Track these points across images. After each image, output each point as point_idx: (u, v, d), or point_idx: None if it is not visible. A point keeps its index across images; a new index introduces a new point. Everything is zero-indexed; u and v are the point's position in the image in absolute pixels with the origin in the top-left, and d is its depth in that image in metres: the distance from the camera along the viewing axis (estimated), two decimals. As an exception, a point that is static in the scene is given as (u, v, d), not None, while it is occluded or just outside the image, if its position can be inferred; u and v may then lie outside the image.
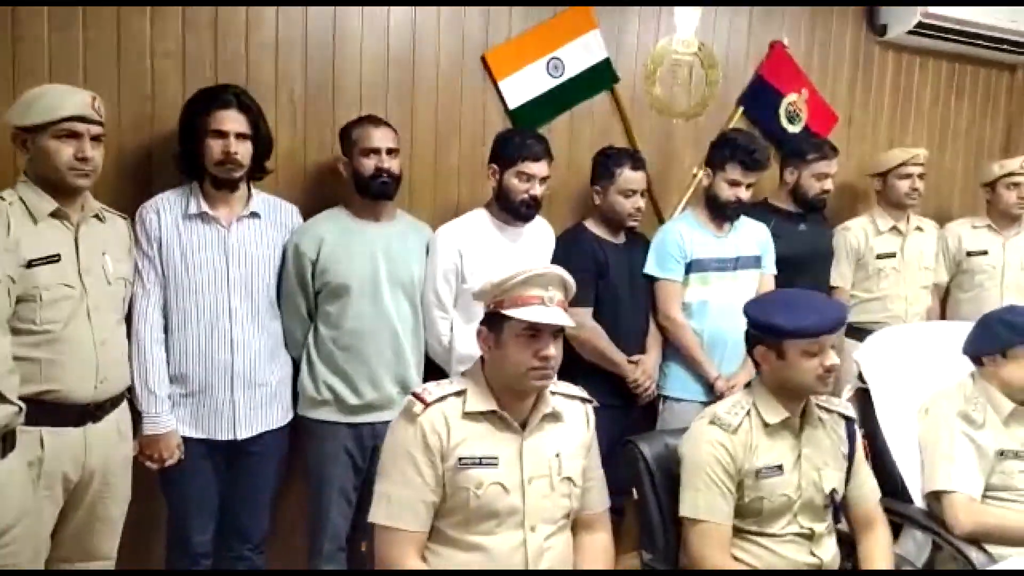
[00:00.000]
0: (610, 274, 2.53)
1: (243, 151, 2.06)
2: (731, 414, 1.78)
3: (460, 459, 1.56)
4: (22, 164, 1.81)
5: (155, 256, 2.04)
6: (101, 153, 1.80)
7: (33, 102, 1.72)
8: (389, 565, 1.56)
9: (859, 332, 2.78)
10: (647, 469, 1.88)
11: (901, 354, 2.31)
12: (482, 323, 1.65)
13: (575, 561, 1.70)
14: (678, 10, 2.90)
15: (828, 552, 1.81)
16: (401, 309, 2.26)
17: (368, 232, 2.25)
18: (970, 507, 1.94)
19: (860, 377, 2.30)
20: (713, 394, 2.52)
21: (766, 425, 1.78)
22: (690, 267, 2.59)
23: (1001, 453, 2.02)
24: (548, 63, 2.70)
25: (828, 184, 2.86)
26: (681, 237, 2.59)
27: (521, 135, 2.37)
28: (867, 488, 1.89)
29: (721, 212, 2.62)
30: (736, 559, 1.75)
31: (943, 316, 3.24)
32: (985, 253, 3.18)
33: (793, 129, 3.13)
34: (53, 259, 1.73)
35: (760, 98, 3.08)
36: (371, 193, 2.22)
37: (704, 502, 1.72)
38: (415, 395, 1.62)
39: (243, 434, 2.13)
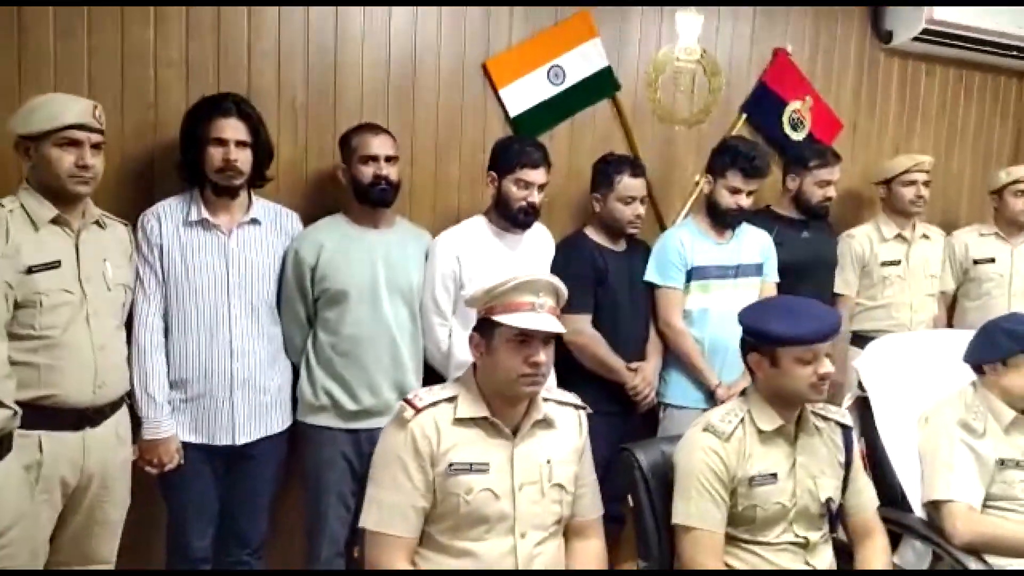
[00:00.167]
0: (609, 281, 2.53)
1: (243, 159, 2.09)
2: (725, 421, 1.77)
3: (450, 465, 1.57)
4: (25, 172, 1.84)
5: (156, 262, 2.07)
6: (102, 161, 1.83)
7: (35, 110, 1.75)
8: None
9: (864, 340, 2.75)
10: (643, 477, 1.87)
11: (901, 362, 2.29)
12: (474, 329, 1.66)
13: (568, 568, 1.69)
14: (680, 18, 2.91)
15: (824, 561, 1.79)
16: (400, 315, 2.27)
17: (367, 239, 2.26)
18: (969, 516, 1.92)
19: (860, 385, 2.28)
20: (713, 402, 2.51)
21: (760, 432, 1.77)
22: (691, 274, 2.59)
23: (1002, 462, 2.00)
24: (549, 71, 2.71)
25: (831, 191, 2.84)
26: (682, 244, 2.59)
27: (520, 142, 2.38)
28: (865, 496, 1.87)
29: (722, 219, 2.62)
30: (728, 567, 1.73)
31: (950, 324, 3.21)
32: (992, 261, 3.15)
33: (797, 136, 3.12)
34: (53, 265, 1.75)
35: (763, 105, 3.07)
36: (370, 200, 2.24)
37: (696, 509, 1.71)
38: (406, 401, 1.63)
39: (242, 439, 2.15)
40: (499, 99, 2.66)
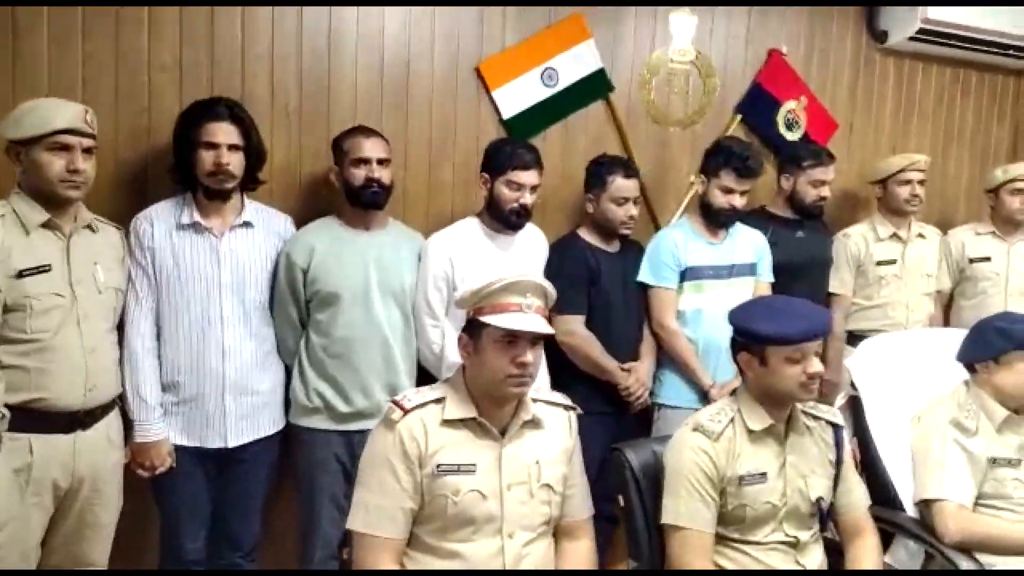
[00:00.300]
0: (603, 282, 2.53)
1: (235, 162, 2.10)
2: (714, 421, 1.77)
3: (438, 466, 1.57)
4: (17, 176, 1.85)
5: (148, 265, 2.08)
6: (93, 165, 1.84)
7: (25, 115, 1.77)
8: (367, 572, 1.57)
9: (860, 340, 2.74)
10: (633, 477, 1.87)
11: (893, 361, 2.29)
12: (463, 330, 1.66)
13: (557, 568, 1.69)
14: (673, 19, 2.91)
15: (814, 561, 1.79)
16: (392, 317, 2.28)
17: (359, 241, 2.27)
18: (960, 515, 1.92)
19: (852, 384, 2.28)
20: (708, 402, 2.50)
21: (750, 432, 1.77)
22: (684, 275, 2.59)
23: (994, 461, 2.00)
24: (542, 73, 2.72)
25: (825, 191, 2.84)
26: (675, 245, 2.59)
27: (512, 144, 2.39)
28: (855, 496, 1.87)
29: (715, 219, 2.62)
30: (718, 566, 1.73)
31: (946, 323, 3.20)
32: (988, 260, 3.14)
33: (792, 136, 3.12)
34: (44, 269, 1.77)
35: (758, 106, 3.07)
36: (362, 203, 2.25)
37: (685, 509, 1.71)
38: (394, 402, 1.63)
39: (234, 442, 2.15)
40: (492, 101, 2.67)
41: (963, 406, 2.06)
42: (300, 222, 2.34)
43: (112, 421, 1.96)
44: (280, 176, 2.42)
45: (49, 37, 2.14)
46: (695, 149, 2.90)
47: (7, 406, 1.72)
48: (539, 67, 2.70)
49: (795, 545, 1.76)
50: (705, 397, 2.54)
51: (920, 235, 3.09)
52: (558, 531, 1.73)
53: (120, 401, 2.02)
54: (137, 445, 2.06)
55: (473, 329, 1.62)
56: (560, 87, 2.74)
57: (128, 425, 2.05)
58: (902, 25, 3.17)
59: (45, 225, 1.80)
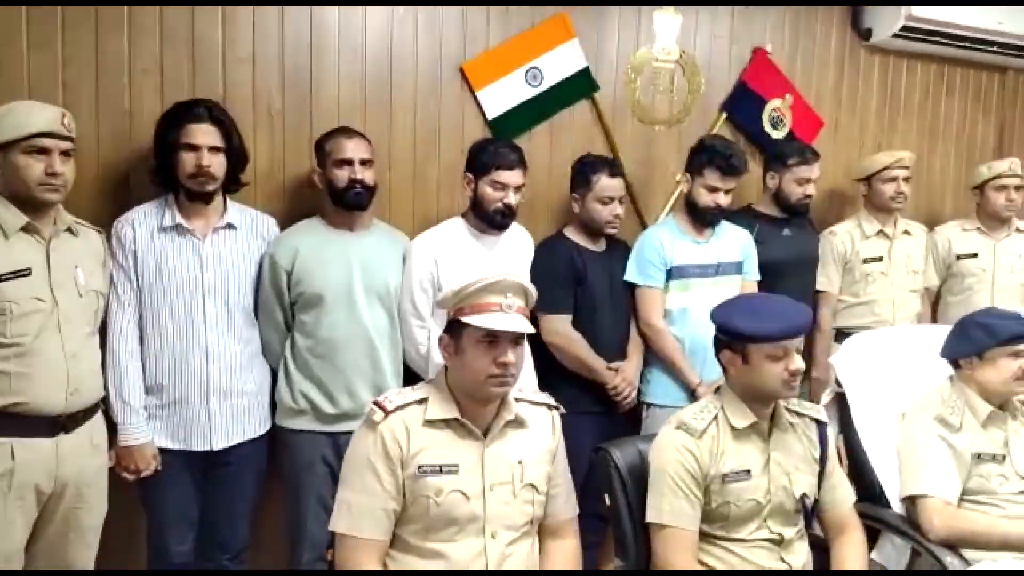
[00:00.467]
0: (589, 281, 2.53)
1: (216, 164, 2.09)
2: (697, 419, 1.77)
3: (420, 467, 1.57)
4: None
5: (130, 268, 2.07)
6: (72, 168, 1.83)
7: (1, 119, 1.75)
8: (350, 574, 1.56)
9: (847, 337, 2.75)
10: (619, 476, 1.87)
11: (878, 358, 2.29)
12: (444, 331, 1.66)
13: (542, 568, 1.69)
14: (657, 18, 2.92)
15: (799, 558, 1.79)
16: (377, 318, 2.28)
17: (343, 242, 2.27)
18: (945, 511, 1.92)
19: (838, 381, 2.28)
20: (695, 400, 2.50)
21: (734, 429, 1.77)
22: (671, 274, 2.59)
23: (978, 456, 2.00)
24: (527, 73, 2.72)
25: (810, 189, 2.85)
26: (661, 244, 2.59)
27: (495, 144, 2.38)
28: (840, 492, 1.87)
29: (701, 218, 2.62)
30: (703, 564, 1.73)
31: (934, 320, 3.21)
32: (975, 256, 3.15)
33: (777, 134, 3.13)
34: (23, 273, 1.76)
35: (743, 104, 3.07)
36: (345, 204, 2.24)
37: (669, 507, 1.71)
38: (376, 403, 1.63)
39: (219, 444, 2.15)
40: (477, 101, 2.67)
41: (947, 402, 2.07)
42: (284, 224, 2.34)
43: (95, 425, 1.95)
44: (264, 178, 2.41)
45: (29, 41, 2.13)
46: (681, 148, 2.90)
47: (-13, 410, 1.71)
48: (523, 67, 2.71)
49: (780, 542, 1.76)
50: (693, 396, 2.53)
51: (906, 232, 3.10)
52: (542, 530, 1.73)
53: (104, 405, 2.01)
54: (121, 449, 2.05)
55: (454, 329, 1.62)
56: (545, 87, 2.74)
57: (112, 429, 2.04)
58: (886, 22, 3.18)
59: (25, 229, 1.79)
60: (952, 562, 1.84)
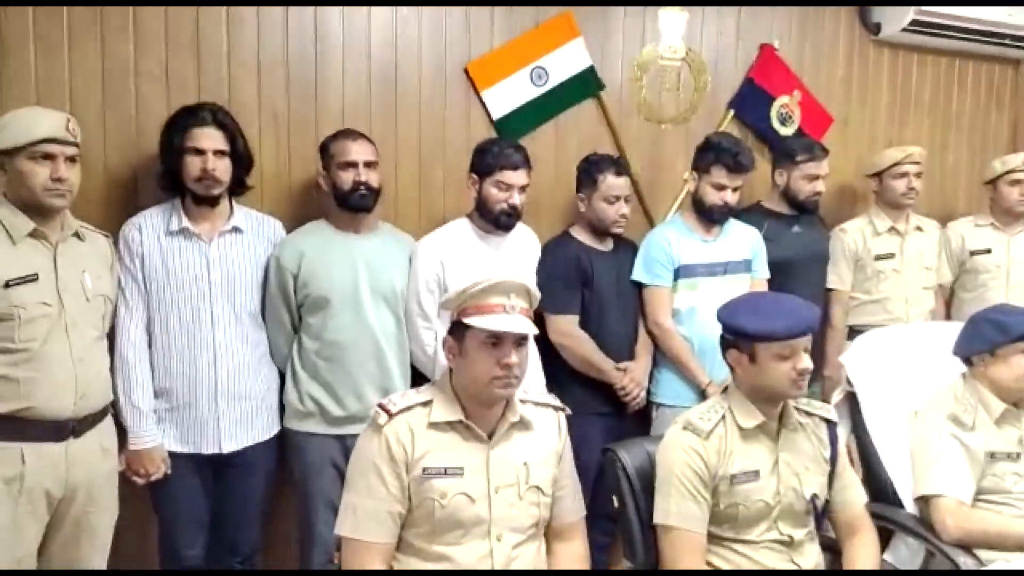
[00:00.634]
0: (596, 281, 2.52)
1: (221, 168, 2.10)
2: (704, 419, 1.75)
3: (424, 469, 1.56)
4: (2, 186, 1.85)
5: (137, 272, 2.08)
6: (77, 173, 1.84)
7: (7, 125, 1.77)
8: (355, 577, 1.56)
9: (859, 335, 2.72)
10: (627, 477, 1.85)
11: (889, 356, 2.26)
12: (448, 332, 1.65)
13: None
14: (663, 16, 2.90)
15: (810, 560, 1.77)
16: (384, 320, 2.27)
17: (349, 244, 2.27)
18: (958, 511, 1.89)
19: (848, 380, 2.25)
20: (705, 400, 2.49)
21: (741, 429, 1.75)
22: (679, 272, 2.57)
23: (992, 455, 1.97)
24: (532, 72, 2.71)
25: (819, 185, 2.81)
26: (668, 242, 2.57)
27: (499, 145, 2.38)
28: (851, 493, 1.85)
29: (708, 216, 2.60)
30: (711, 566, 1.72)
31: (948, 317, 3.17)
32: (989, 252, 3.11)
33: (786, 131, 3.10)
34: (31, 279, 1.77)
35: (751, 101, 3.05)
36: (350, 206, 2.24)
37: (677, 509, 1.69)
38: (380, 406, 1.62)
39: (228, 447, 2.15)
40: (482, 102, 2.66)
41: (960, 400, 2.04)
42: (291, 226, 2.34)
43: (105, 429, 1.96)
44: (270, 181, 2.42)
45: (35, 49, 2.15)
46: (688, 146, 2.87)
47: (-3, 416, 1.72)
48: (528, 66, 2.69)
49: (789, 544, 1.74)
50: (703, 396, 2.51)
51: (918, 228, 3.06)
52: (549, 533, 1.72)
53: (113, 408, 2.02)
54: (131, 452, 2.06)
55: (458, 331, 1.61)
56: (550, 86, 2.73)
57: (122, 432, 2.05)
58: (895, 17, 3.14)
59: (32, 234, 1.80)
60: (966, 563, 1.81)
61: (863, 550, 1.81)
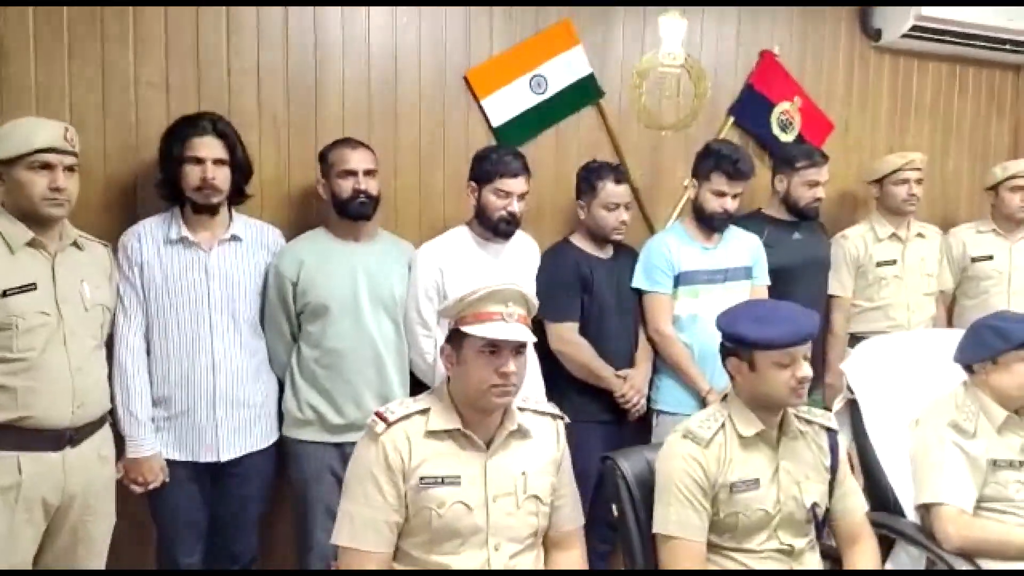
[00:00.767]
0: (596, 288, 2.51)
1: (221, 177, 2.10)
2: (704, 427, 1.74)
3: (421, 478, 1.56)
4: (1, 196, 1.85)
5: (136, 281, 2.08)
6: (76, 183, 1.84)
7: (5, 135, 1.77)
8: (352, 587, 1.55)
9: (861, 342, 2.71)
10: (626, 485, 1.84)
11: (890, 363, 2.25)
12: (446, 340, 1.65)
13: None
14: (663, 23, 2.90)
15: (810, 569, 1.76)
16: (383, 328, 2.27)
17: (348, 252, 2.27)
18: (960, 520, 1.88)
19: (849, 388, 2.24)
20: (705, 408, 2.48)
21: (741, 437, 1.74)
22: (679, 280, 2.57)
23: (994, 463, 1.95)
24: (531, 80, 2.71)
25: (819, 192, 2.81)
26: (668, 249, 2.57)
27: (498, 152, 2.38)
28: (852, 501, 1.83)
29: (708, 223, 2.60)
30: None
31: (950, 324, 3.16)
32: (991, 258, 3.10)
33: (786, 138, 3.10)
34: (29, 288, 1.77)
35: (751, 108, 3.05)
36: (349, 214, 2.25)
37: (676, 518, 1.68)
38: (378, 414, 1.62)
39: (226, 455, 2.15)
40: (481, 109, 2.66)
41: (961, 408, 2.02)
42: (291, 234, 2.35)
43: (103, 437, 1.96)
44: (270, 189, 2.42)
45: (36, 57, 2.15)
46: (688, 153, 2.86)
47: (-6, 425, 1.72)
48: (528, 74, 2.70)
49: (790, 553, 1.73)
50: (703, 403, 2.50)
51: (920, 235, 3.05)
52: (548, 542, 1.71)
53: (111, 417, 2.02)
54: (129, 460, 2.06)
55: (455, 339, 1.61)
56: (549, 93, 2.74)
57: (120, 440, 2.04)
58: (896, 22, 3.14)
59: (30, 244, 1.80)
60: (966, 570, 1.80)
61: (864, 559, 1.79)
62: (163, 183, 2.14)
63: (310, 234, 2.31)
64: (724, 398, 1.85)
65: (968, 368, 2.08)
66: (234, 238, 2.18)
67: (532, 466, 1.65)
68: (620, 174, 2.54)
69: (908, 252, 3.00)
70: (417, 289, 2.31)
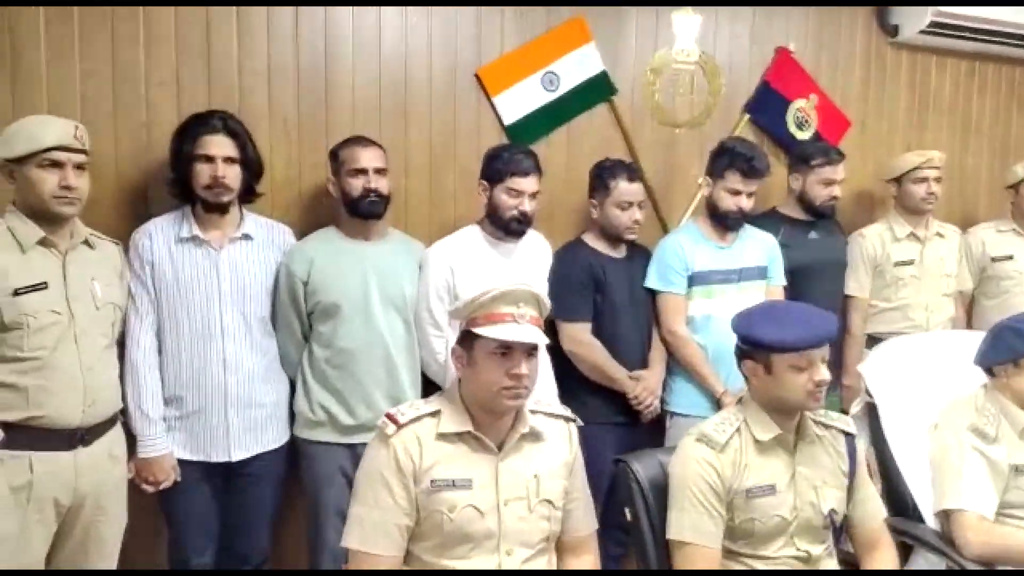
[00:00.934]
0: (609, 288, 2.49)
1: (231, 175, 2.09)
2: (719, 431, 1.71)
3: (433, 481, 1.54)
4: (12, 194, 1.85)
5: (148, 280, 2.07)
6: (86, 181, 1.84)
7: (15, 134, 1.76)
8: (363, 590, 1.54)
9: (878, 343, 2.67)
10: (640, 489, 1.81)
11: (908, 366, 2.21)
12: (457, 342, 1.63)
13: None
14: (676, 19, 2.87)
15: None
16: (394, 327, 2.25)
17: (358, 251, 2.25)
18: (980, 526, 1.84)
19: (868, 391, 2.20)
20: (720, 410, 2.45)
21: (757, 442, 1.71)
22: (693, 280, 2.53)
23: (1016, 468, 1.91)
24: (543, 77, 2.69)
25: (836, 190, 2.77)
26: (682, 249, 2.54)
27: (509, 151, 2.35)
28: (870, 507, 1.80)
29: (723, 222, 2.57)
30: (726, 582, 1.68)
31: (969, 325, 3.11)
32: (1011, 258, 3.05)
33: (803, 135, 3.06)
34: (40, 287, 1.76)
35: (767, 105, 3.01)
36: (360, 213, 2.23)
37: (691, 523, 1.65)
38: (388, 416, 1.60)
39: (238, 455, 2.14)
40: (493, 107, 2.64)
41: (982, 411, 1.98)
42: (302, 234, 2.33)
43: (114, 437, 1.95)
44: (281, 188, 2.41)
45: (47, 55, 2.15)
46: (703, 151, 2.84)
47: (5, 424, 1.71)
48: (540, 72, 2.67)
49: (807, 560, 1.70)
50: (718, 405, 2.47)
51: (939, 234, 3.01)
52: (560, 547, 1.69)
53: (123, 416, 2.01)
54: (140, 460, 2.05)
55: (467, 341, 1.59)
56: (562, 91, 2.71)
57: (132, 440, 2.04)
58: (913, 19, 3.10)
59: (41, 242, 1.80)
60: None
61: (882, 566, 1.76)
62: (174, 181, 2.13)
63: (320, 233, 2.30)
64: (739, 401, 1.82)
65: (989, 371, 2.04)
66: (245, 237, 2.17)
67: (544, 469, 1.63)
68: (633, 172, 2.51)
69: (927, 252, 2.95)
70: (428, 289, 2.29)
